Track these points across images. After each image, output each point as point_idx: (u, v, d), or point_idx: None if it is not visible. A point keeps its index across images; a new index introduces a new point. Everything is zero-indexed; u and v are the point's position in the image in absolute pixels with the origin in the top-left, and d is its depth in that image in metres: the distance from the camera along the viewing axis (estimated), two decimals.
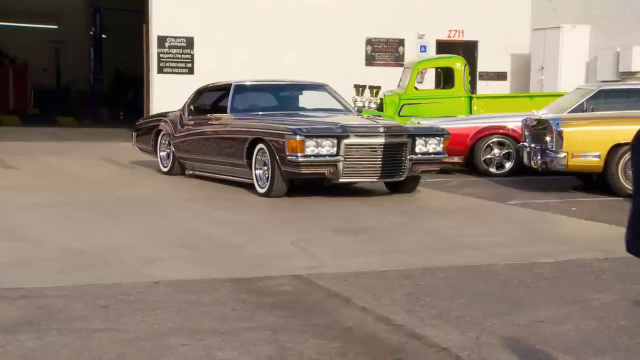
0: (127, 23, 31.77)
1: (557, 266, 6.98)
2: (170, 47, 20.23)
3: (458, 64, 16.87)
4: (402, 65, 21.20)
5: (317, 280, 6.42)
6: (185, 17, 20.22)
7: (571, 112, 12.80)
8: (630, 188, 10.89)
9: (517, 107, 15.57)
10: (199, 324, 5.27)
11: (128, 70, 31.92)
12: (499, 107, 16.07)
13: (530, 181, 12.53)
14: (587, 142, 10.97)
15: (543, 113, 12.28)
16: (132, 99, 31.20)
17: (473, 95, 17.18)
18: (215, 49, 20.41)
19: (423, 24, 21.79)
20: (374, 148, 10.32)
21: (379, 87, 18.01)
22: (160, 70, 20.29)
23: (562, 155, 10.91)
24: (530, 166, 11.87)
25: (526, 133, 12.05)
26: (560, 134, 10.91)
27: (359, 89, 18.03)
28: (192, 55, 20.40)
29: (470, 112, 16.18)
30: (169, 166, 13.22)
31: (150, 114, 14.51)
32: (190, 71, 20.42)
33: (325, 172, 10.21)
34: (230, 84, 12.13)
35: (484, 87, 21.90)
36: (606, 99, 13.25)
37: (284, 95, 12.57)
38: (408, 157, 10.49)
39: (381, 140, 10.34)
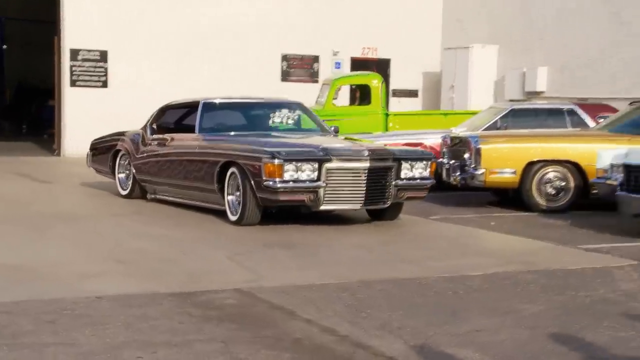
0: (32, 32, 31.25)
1: (486, 278, 7.31)
2: (83, 60, 20.09)
3: (375, 81, 17.31)
4: (317, 81, 21.61)
5: (258, 294, 6.60)
6: (99, 30, 20.12)
7: (485, 129, 13.35)
8: (543, 204, 11.39)
9: (432, 124, 16.08)
10: (150, 337, 5.38)
11: (33, 82, 31.31)
12: (414, 124, 16.53)
13: (448, 197, 12.93)
14: (504, 159, 11.43)
15: (461, 130, 12.74)
16: (36, 112, 30.66)
17: (389, 112, 17.64)
18: (131, 62, 20.37)
19: (338, 41, 22.23)
20: (358, 173, 9.60)
21: None
22: (73, 84, 20.12)
23: (481, 171, 11.35)
24: (448, 182, 12.27)
25: (445, 150, 12.48)
26: (478, 151, 11.36)
27: None
28: (106, 69, 20.30)
29: (386, 129, 16.59)
30: (129, 189, 12.29)
31: (109, 133, 13.35)
32: (104, 84, 20.34)
33: (305, 199, 9.47)
34: (198, 102, 11.32)
35: (396, 104, 22.43)
36: (517, 117, 13.88)
37: (256, 114, 11.81)
38: (393, 183, 9.83)
39: (365, 164, 9.61)
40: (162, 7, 20.77)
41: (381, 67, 22.26)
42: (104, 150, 13.07)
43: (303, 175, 9.39)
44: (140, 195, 12.16)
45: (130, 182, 12.29)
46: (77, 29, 20.02)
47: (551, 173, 11.45)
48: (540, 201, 11.45)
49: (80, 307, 6.04)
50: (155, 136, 11.87)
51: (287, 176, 9.33)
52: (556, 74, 19.99)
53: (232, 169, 9.89)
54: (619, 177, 9.72)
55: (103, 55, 20.27)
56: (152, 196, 11.95)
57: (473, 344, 5.36)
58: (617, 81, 18.41)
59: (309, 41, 22.02)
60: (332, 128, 11.62)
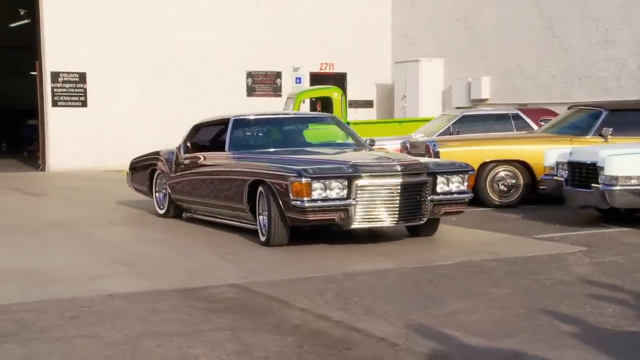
0: (6, 59, 31.09)
1: (455, 267, 7.55)
2: (63, 82, 20.09)
3: (335, 94, 17.58)
4: (279, 95, 21.85)
5: (253, 288, 6.76)
6: (77, 54, 20.17)
7: (440, 134, 13.64)
8: (497, 200, 11.67)
9: (389, 131, 16.35)
10: (164, 328, 5.53)
11: (8, 104, 31.17)
12: (372, 131, 16.76)
13: None
14: (460, 161, 11.69)
15: (420, 136, 13.00)
16: (15, 131, 30.56)
17: (350, 122, 17.87)
18: (107, 83, 20.43)
19: (298, 58, 22.47)
20: (390, 189, 8.56)
21: None
22: (55, 104, 20.13)
23: None
24: None
25: (405, 154, 12.71)
26: (437, 155, 11.63)
27: None
28: (85, 89, 20.32)
29: None
30: (166, 208, 11.32)
31: (147, 152, 12.27)
32: (84, 104, 20.37)
33: (335, 217, 8.42)
34: (229, 119, 10.29)
35: (353, 114, 22.69)
36: (468, 123, 14.20)
37: (287, 130, 10.69)
38: (429, 198, 8.77)
39: (398, 180, 8.54)
40: (136, 31, 20.83)
41: (338, 80, 22.53)
42: (142, 170, 12.10)
43: (332, 194, 8.37)
44: (175, 214, 11.27)
45: (167, 202, 11.34)
46: (56, 53, 20.04)
47: (503, 172, 11.78)
48: (494, 197, 11.77)
49: (96, 304, 6.17)
50: (188, 155, 10.91)
51: (315, 195, 8.31)
52: (498, 83, 20.41)
53: (260, 188, 8.92)
54: (564, 173, 10.05)
55: (82, 77, 20.28)
56: (189, 215, 11.00)
57: (453, 324, 5.58)
58: (552, 88, 18.89)
59: (271, 59, 22.24)
60: (368, 141, 10.56)
